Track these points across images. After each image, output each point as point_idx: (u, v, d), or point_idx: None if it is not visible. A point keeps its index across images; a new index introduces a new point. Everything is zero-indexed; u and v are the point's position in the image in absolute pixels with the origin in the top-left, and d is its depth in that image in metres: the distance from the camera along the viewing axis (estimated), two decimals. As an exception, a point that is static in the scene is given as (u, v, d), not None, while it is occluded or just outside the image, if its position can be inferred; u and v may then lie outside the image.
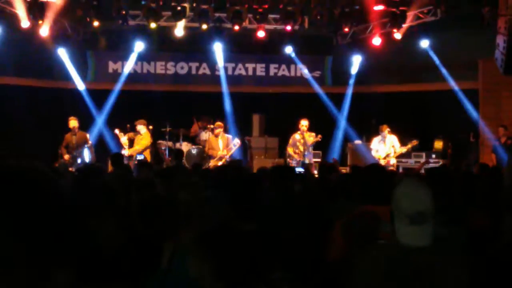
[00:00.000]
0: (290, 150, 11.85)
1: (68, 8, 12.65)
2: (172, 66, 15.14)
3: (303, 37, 14.28)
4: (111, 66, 14.94)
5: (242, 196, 4.06)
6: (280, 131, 13.06)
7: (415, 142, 11.81)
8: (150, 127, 12.10)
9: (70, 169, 9.56)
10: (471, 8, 12.23)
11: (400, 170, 11.97)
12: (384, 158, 11.68)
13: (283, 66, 15.25)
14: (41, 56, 13.93)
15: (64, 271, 1.02)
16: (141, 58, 14.70)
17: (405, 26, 13.00)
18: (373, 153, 11.90)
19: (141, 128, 11.81)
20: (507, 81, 12.52)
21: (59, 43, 13.72)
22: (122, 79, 14.55)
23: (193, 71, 15.19)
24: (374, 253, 2.54)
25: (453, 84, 13.81)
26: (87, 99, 14.23)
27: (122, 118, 12.58)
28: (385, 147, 11.78)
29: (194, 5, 13.01)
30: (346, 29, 13.63)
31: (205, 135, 12.89)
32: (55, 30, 13.06)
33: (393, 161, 11.75)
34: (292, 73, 15.30)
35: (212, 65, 14.92)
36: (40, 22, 12.33)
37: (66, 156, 11.29)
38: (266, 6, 13.12)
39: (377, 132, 12.07)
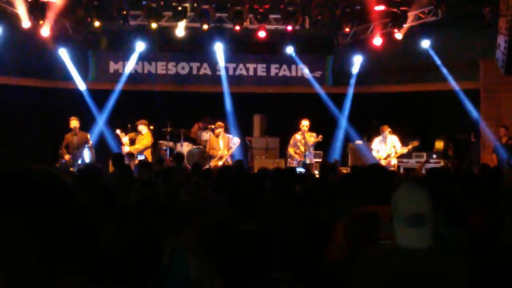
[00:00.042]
0: (291, 150, 11.85)
1: (69, 8, 12.67)
2: (173, 66, 15.12)
3: (304, 37, 14.27)
4: (112, 66, 14.93)
5: (242, 196, 4.06)
6: (281, 131, 13.05)
7: (416, 143, 11.79)
8: (151, 127, 12.11)
9: (71, 169, 9.56)
10: (472, 8, 12.22)
11: (401, 170, 11.95)
12: (385, 158, 11.66)
13: (284, 66, 15.22)
14: (42, 56, 13.95)
15: (77, 273, 1.03)
16: (142, 58, 14.67)
17: (406, 26, 12.99)
18: (374, 153, 11.87)
19: (142, 128, 11.82)
20: (508, 81, 12.52)
21: (60, 43, 13.72)
22: (123, 79, 14.52)
23: (194, 71, 15.17)
24: (375, 254, 2.55)
25: (454, 84, 13.78)
26: (88, 99, 14.21)
27: (123, 118, 12.57)
28: (386, 148, 11.76)
29: (195, 5, 13.01)
30: (347, 29, 13.62)
31: (206, 135, 12.90)
32: (56, 30, 13.07)
33: (394, 161, 11.73)
34: (293, 73, 15.26)
35: (213, 65, 14.90)
36: (41, 22, 12.33)
37: (67, 156, 11.28)
38: (267, 6, 13.12)
39: (378, 132, 12.05)
